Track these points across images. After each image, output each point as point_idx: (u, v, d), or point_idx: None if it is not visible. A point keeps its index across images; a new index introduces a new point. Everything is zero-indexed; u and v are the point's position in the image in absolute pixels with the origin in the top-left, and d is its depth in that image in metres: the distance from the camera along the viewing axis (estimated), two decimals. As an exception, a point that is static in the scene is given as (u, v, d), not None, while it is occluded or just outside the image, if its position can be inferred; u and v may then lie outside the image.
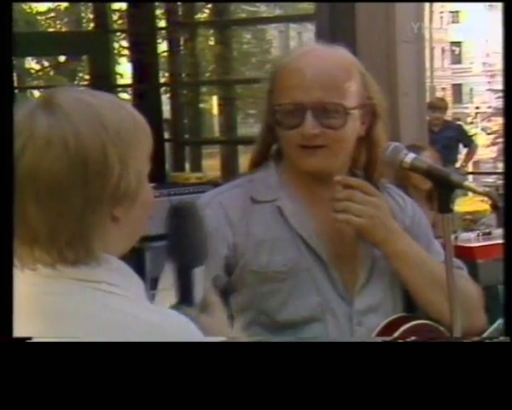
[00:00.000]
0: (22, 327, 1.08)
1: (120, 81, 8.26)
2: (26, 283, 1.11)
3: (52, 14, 14.65)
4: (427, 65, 8.35)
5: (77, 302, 1.10)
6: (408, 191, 4.24)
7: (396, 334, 1.62)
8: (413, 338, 1.57)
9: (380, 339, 1.60)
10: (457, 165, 8.16)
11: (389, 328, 1.65)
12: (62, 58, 13.00)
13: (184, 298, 1.31)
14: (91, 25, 9.19)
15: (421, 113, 4.99)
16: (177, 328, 1.13)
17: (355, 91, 1.67)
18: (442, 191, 1.58)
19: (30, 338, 1.07)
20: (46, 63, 14.37)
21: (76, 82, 12.31)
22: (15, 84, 6.59)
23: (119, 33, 9.41)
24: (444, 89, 32.85)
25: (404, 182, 4.26)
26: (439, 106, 7.81)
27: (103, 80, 5.67)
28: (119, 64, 9.40)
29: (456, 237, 3.59)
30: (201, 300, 1.31)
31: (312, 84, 1.64)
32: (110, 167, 1.10)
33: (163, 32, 6.39)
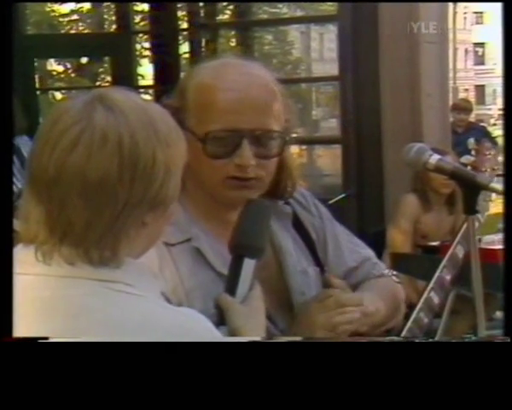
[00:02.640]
0: (39, 330, 1.07)
1: (142, 82, 8.28)
2: (40, 287, 1.11)
3: (74, 17, 14.74)
4: (451, 66, 8.29)
5: (94, 302, 1.10)
6: (428, 196, 4.24)
7: None
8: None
9: (379, 339, 1.58)
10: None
11: None
12: (84, 60, 13.08)
13: (229, 287, 1.39)
14: (113, 26, 9.23)
15: (444, 114, 4.97)
16: (195, 327, 1.13)
17: (281, 114, 1.53)
18: (467, 193, 1.57)
19: (30, 338, 1.07)
20: (68, 65, 14.46)
21: (98, 84, 12.37)
22: (37, 85, 6.62)
23: (140, 35, 9.43)
24: (466, 90, 32.72)
25: (423, 186, 4.25)
26: (464, 107, 7.74)
27: (125, 82, 5.69)
28: (140, 65, 9.42)
29: (479, 240, 3.55)
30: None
31: (248, 107, 1.48)
32: (156, 173, 1.11)
33: (185, 33, 6.40)
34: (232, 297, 1.38)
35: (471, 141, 6.82)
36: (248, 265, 1.40)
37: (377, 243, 3.98)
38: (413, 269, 3.85)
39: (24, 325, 1.08)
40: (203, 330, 1.13)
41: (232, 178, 1.50)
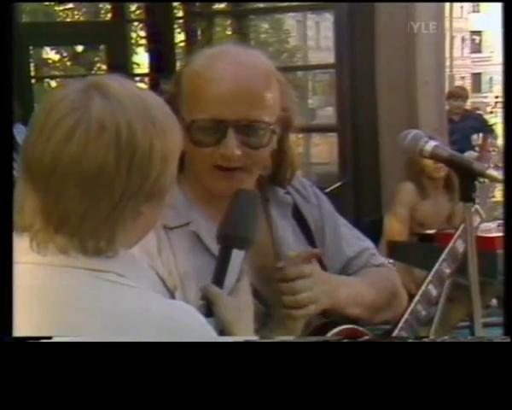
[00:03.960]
0: (29, 320, 1.07)
1: (137, 71, 8.26)
2: (31, 276, 1.10)
3: (70, 5, 14.69)
4: (447, 54, 8.28)
5: (85, 292, 1.09)
6: (423, 182, 4.23)
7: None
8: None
9: (379, 339, 1.57)
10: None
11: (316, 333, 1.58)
12: (80, 48, 13.05)
13: (217, 278, 1.37)
14: (109, 15, 9.20)
15: (440, 101, 4.96)
16: (185, 319, 1.12)
17: (276, 104, 1.51)
18: (464, 180, 1.56)
19: (30, 338, 1.06)
20: (64, 53, 14.42)
21: (93, 72, 12.34)
22: (32, 74, 6.60)
23: (136, 23, 9.42)
24: (463, 78, 32.68)
25: (417, 173, 4.24)
26: (460, 95, 7.73)
27: (120, 70, 5.64)
28: (136, 54, 9.42)
29: (476, 227, 3.54)
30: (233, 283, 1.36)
31: (235, 97, 1.46)
32: (153, 163, 1.10)
33: (180, 21, 6.38)
34: (219, 288, 1.37)
35: (474, 137, 6.82)
36: (236, 256, 1.38)
37: (374, 231, 3.99)
38: (410, 257, 3.85)
39: (15, 314, 1.06)
40: (194, 322, 1.13)
41: (218, 168, 1.49)
